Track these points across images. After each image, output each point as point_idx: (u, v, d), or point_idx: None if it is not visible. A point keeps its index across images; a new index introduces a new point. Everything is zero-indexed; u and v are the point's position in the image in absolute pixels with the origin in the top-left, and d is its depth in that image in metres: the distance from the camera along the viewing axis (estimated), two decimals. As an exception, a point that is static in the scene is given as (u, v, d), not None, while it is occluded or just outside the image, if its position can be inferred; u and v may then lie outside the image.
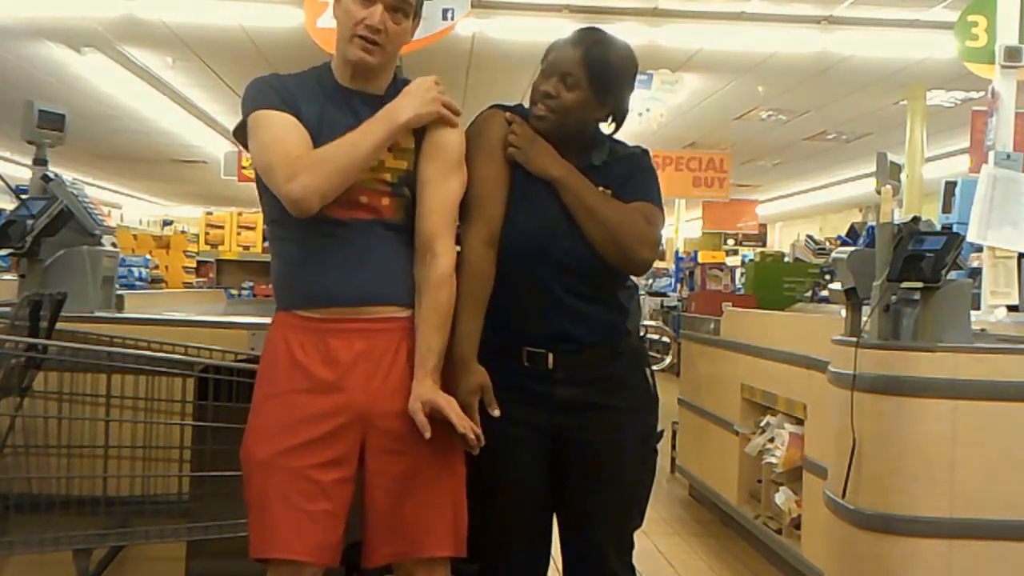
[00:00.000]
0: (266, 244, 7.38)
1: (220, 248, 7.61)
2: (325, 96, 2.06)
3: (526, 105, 2.25)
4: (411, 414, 1.96)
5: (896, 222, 2.92)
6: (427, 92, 2.05)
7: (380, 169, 2.03)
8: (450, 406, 1.97)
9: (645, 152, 2.33)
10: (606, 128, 2.28)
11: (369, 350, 2.01)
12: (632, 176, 2.25)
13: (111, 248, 3.13)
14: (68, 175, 3.17)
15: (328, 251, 2.01)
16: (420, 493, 2.01)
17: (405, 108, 2.02)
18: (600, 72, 2.15)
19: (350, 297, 2.01)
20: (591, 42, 2.17)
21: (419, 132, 2.06)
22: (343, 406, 1.98)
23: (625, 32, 7.64)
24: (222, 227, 7.59)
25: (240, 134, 2.07)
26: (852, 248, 3.41)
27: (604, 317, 2.21)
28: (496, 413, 2.09)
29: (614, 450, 2.23)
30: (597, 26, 2.26)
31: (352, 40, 2.01)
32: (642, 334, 2.56)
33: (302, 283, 2.03)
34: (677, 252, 16.83)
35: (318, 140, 1.99)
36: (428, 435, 1.95)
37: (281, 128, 1.99)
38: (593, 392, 2.21)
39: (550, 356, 2.17)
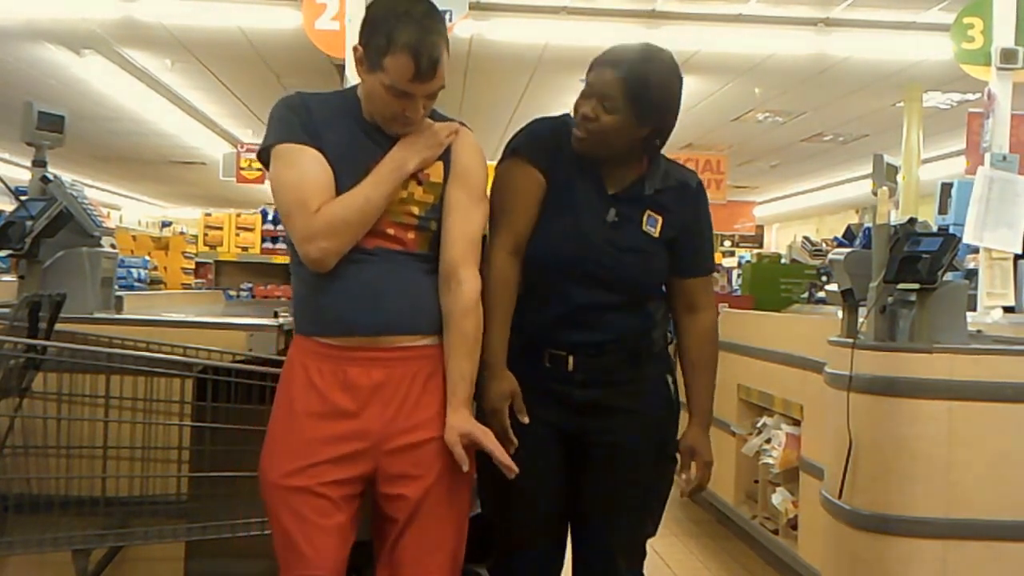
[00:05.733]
0: (264, 245, 7.40)
1: (219, 249, 7.58)
2: (354, 124, 2.04)
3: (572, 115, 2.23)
4: (449, 446, 1.95)
5: (892, 223, 2.93)
6: (432, 138, 2.05)
7: (409, 202, 2.03)
8: (487, 438, 1.97)
9: (701, 186, 2.31)
10: None
11: (387, 379, 1.99)
12: (684, 204, 2.25)
13: (110, 249, 3.14)
14: (67, 176, 3.17)
15: (349, 277, 1.99)
16: (425, 521, 2.01)
17: (411, 158, 2.01)
18: (638, 95, 2.11)
19: (369, 326, 1.99)
20: (630, 63, 2.13)
21: (447, 162, 2.06)
22: (358, 432, 1.98)
23: (623, 34, 7.69)
24: (221, 228, 7.56)
25: (263, 157, 2.05)
26: (849, 249, 3.41)
27: (626, 323, 2.22)
28: (526, 420, 2.11)
29: (628, 455, 2.23)
30: (640, 42, 2.22)
31: (389, 122, 2.01)
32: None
33: (322, 308, 2.01)
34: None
35: (339, 167, 1.98)
36: (466, 468, 1.96)
37: (301, 170, 1.97)
38: (612, 395, 2.22)
39: (570, 359, 2.19)
